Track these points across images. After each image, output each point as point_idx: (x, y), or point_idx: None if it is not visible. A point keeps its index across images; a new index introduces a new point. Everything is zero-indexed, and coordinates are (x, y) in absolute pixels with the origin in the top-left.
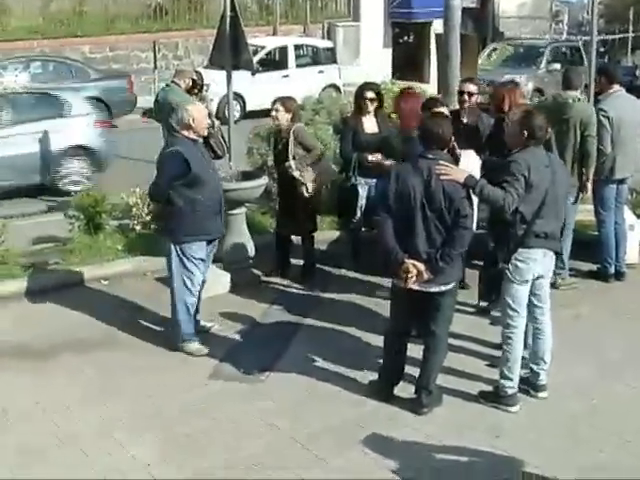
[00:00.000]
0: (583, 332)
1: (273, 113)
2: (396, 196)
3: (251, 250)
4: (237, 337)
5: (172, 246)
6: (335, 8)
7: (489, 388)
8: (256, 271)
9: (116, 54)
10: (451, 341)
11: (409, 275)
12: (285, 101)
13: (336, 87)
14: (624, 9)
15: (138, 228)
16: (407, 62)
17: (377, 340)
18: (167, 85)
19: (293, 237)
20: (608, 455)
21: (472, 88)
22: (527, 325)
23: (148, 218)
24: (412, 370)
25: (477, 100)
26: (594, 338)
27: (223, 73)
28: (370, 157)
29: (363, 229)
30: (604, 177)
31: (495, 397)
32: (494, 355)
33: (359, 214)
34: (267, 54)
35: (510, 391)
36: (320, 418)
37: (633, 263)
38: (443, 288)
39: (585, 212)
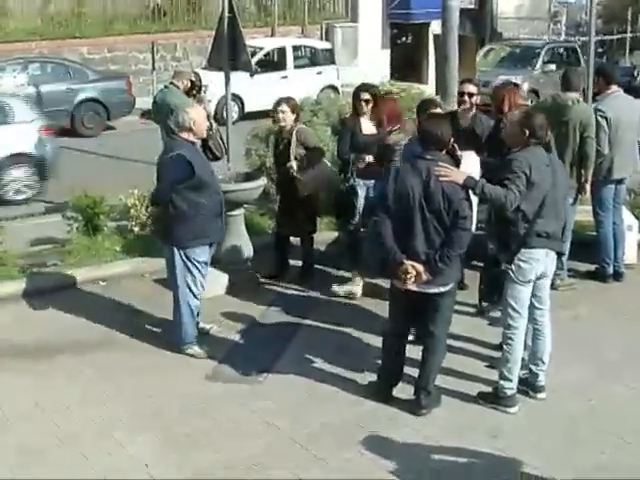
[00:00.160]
0: (582, 333)
1: (280, 115)
2: (395, 197)
3: (249, 251)
4: (236, 338)
5: (175, 250)
6: (333, 9)
7: (488, 389)
8: (255, 272)
9: (114, 55)
10: (450, 342)
11: (408, 276)
12: (290, 102)
13: (334, 88)
14: (622, 10)
15: (136, 229)
16: (405, 63)
17: (376, 341)
18: (166, 86)
19: (292, 238)
20: (607, 456)
21: (472, 89)
22: (526, 326)
23: (146, 219)
24: (411, 371)
25: (477, 101)
26: (593, 339)
27: (221, 74)
28: (367, 158)
29: (362, 230)
30: (602, 178)
31: (494, 398)
32: (493, 356)
33: (357, 215)
34: (265, 55)
35: (509, 392)
36: (319, 418)
37: (631, 263)
38: (442, 289)
39: (584, 213)
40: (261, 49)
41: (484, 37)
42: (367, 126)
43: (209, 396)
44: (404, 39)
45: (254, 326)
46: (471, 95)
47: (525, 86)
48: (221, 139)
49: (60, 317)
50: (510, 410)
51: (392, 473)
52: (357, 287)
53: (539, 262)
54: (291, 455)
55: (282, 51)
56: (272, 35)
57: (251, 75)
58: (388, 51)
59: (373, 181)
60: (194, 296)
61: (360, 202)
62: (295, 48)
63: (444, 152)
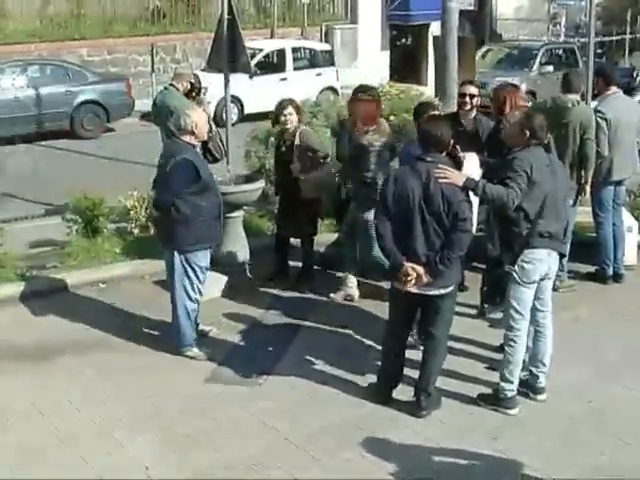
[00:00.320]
0: (581, 334)
1: (286, 117)
2: (395, 199)
3: (247, 253)
4: (235, 340)
5: (176, 254)
6: (333, 11)
7: (488, 391)
8: (254, 274)
9: (114, 57)
10: (450, 344)
11: (408, 278)
12: (293, 103)
13: (334, 90)
14: (621, 11)
15: (136, 231)
16: (405, 64)
17: (376, 343)
18: (165, 88)
19: (292, 240)
20: (607, 457)
21: (473, 90)
22: (528, 328)
23: (145, 221)
24: (411, 372)
25: (478, 102)
26: (592, 340)
27: (221, 76)
28: None
29: None
30: (602, 179)
31: (494, 400)
32: (493, 358)
33: None
34: (265, 57)
35: (510, 394)
36: (319, 420)
37: (631, 265)
38: (442, 291)
39: (583, 214)
40: (260, 51)
41: (483, 38)
42: None
43: (209, 396)
44: (403, 40)
45: (254, 328)
46: (472, 96)
47: (522, 87)
48: (221, 141)
49: (60, 319)
50: (510, 412)
51: (392, 475)
52: (353, 289)
53: (542, 262)
54: (291, 456)
55: (281, 53)
56: (271, 37)
57: (250, 77)
58: (387, 52)
59: None
60: (191, 300)
61: None
62: (294, 50)
63: (444, 154)
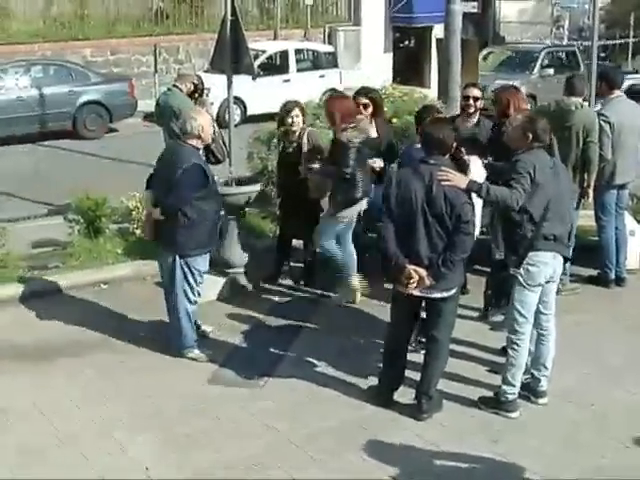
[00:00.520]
0: (583, 337)
1: (293, 119)
2: (398, 201)
3: (247, 254)
4: (236, 342)
5: (177, 259)
6: (336, 12)
7: (490, 394)
8: (254, 275)
9: (117, 58)
10: (452, 346)
11: (411, 281)
12: (299, 105)
13: (337, 92)
14: (625, 15)
15: (138, 232)
16: (408, 67)
17: (377, 345)
18: (169, 89)
19: (294, 241)
20: (609, 461)
21: (477, 93)
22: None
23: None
24: (413, 374)
25: (481, 105)
26: (594, 343)
27: (223, 77)
28: (368, 162)
29: (364, 233)
30: (605, 182)
31: (495, 403)
32: (494, 361)
33: (360, 219)
34: (268, 58)
35: (511, 397)
36: (319, 421)
37: (633, 269)
38: (445, 294)
39: (586, 217)
40: (264, 52)
41: (487, 41)
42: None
43: (209, 397)
44: (407, 43)
45: (255, 329)
46: (476, 99)
47: (522, 90)
48: (223, 142)
49: (61, 319)
50: (511, 415)
51: (392, 477)
52: (355, 292)
53: (548, 265)
54: (291, 456)
55: (285, 54)
56: (275, 38)
57: (253, 78)
58: (391, 55)
59: (372, 185)
60: (191, 302)
61: (362, 206)
62: (298, 51)
63: (447, 156)
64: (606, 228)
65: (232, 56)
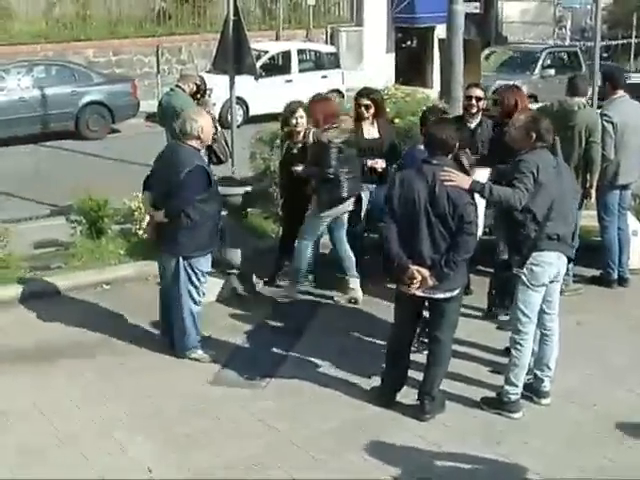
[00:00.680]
0: (586, 338)
1: (297, 120)
2: (401, 201)
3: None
4: (238, 342)
5: (180, 260)
6: (338, 13)
7: (492, 394)
8: (258, 275)
9: (119, 58)
10: (454, 347)
11: (414, 281)
12: (303, 105)
13: (339, 92)
14: (627, 15)
15: (140, 232)
16: (410, 67)
17: (379, 345)
18: (172, 89)
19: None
20: (611, 462)
21: (479, 93)
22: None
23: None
24: (416, 374)
25: (484, 105)
26: (597, 344)
27: (226, 78)
28: (370, 162)
29: (365, 234)
30: (607, 183)
31: (498, 403)
32: (497, 361)
33: (362, 219)
34: (270, 59)
35: (514, 397)
36: (321, 421)
37: (636, 269)
38: (448, 294)
39: (588, 218)
40: (266, 53)
41: (489, 41)
42: (368, 130)
43: (210, 399)
44: (409, 43)
45: (256, 330)
46: (478, 99)
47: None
48: (226, 143)
49: (63, 320)
50: (514, 416)
51: (394, 478)
52: (357, 291)
53: (552, 266)
54: (291, 456)
55: (287, 55)
56: (277, 39)
57: (256, 78)
58: (393, 55)
59: (374, 185)
60: (196, 303)
61: (364, 206)
62: (300, 52)
63: (450, 157)
64: (609, 228)
65: (234, 56)
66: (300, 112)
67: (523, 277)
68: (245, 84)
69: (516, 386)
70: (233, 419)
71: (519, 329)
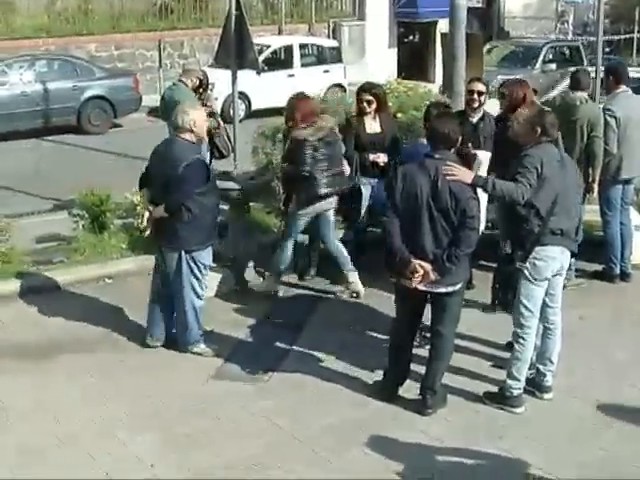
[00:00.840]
0: (589, 332)
1: None
2: (403, 196)
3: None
4: (241, 337)
5: (182, 254)
6: (340, 7)
7: (494, 389)
8: (260, 270)
9: (122, 53)
10: (457, 341)
11: (415, 275)
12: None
13: (341, 86)
14: (630, 10)
15: (142, 227)
16: (412, 61)
17: (382, 340)
18: (174, 84)
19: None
20: (613, 457)
21: (481, 87)
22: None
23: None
24: (418, 368)
25: (486, 100)
26: (600, 338)
27: (228, 72)
28: (372, 156)
29: (369, 229)
30: (610, 177)
31: (500, 398)
32: (499, 356)
33: (363, 214)
34: (272, 53)
35: (516, 392)
36: (323, 417)
37: (639, 264)
38: (450, 289)
39: (591, 212)
40: (268, 47)
41: (491, 36)
42: (370, 125)
43: (212, 396)
44: (411, 37)
45: (258, 325)
46: (480, 94)
47: None
48: (228, 137)
49: (65, 315)
50: (516, 410)
51: (396, 473)
52: (359, 285)
53: (555, 260)
54: (293, 453)
55: (289, 49)
56: (279, 33)
57: (258, 73)
58: (395, 49)
59: (376, 180)
60: (199, 297)
61: (365, 201)
62: (302, 46)
63: (452, 151)
64: (611, 223)
65: (237, 51)
66: None
67: (526, 271)
68: (247, 78)
69: (518, 380)
70: (233, 418)
71: (522, 323)
